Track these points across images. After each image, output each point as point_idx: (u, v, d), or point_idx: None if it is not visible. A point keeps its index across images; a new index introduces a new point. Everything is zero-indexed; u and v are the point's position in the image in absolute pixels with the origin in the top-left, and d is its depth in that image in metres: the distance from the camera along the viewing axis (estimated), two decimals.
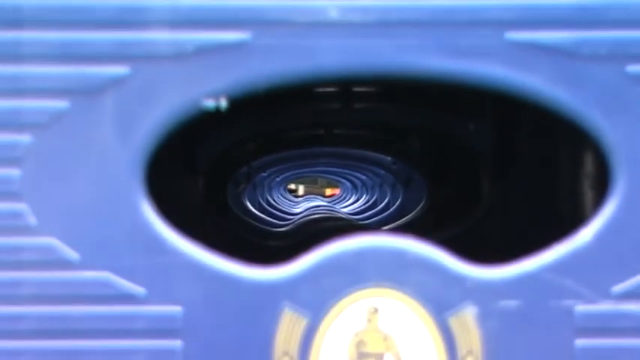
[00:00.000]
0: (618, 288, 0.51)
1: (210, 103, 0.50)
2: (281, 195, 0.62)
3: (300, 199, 0.68)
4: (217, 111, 0.50)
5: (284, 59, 0.50)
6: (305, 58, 0.50)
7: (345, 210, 0.66)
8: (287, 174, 0.60)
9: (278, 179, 0.60)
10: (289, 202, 0.63)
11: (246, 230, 0.64)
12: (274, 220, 0.66)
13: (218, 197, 0.64)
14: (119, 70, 0.49)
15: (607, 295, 0.51)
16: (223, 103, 0.50)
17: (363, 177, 0.68)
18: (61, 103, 0.48)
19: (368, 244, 0.51)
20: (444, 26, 0.49)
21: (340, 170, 0.71)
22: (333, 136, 0.67)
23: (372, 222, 0.70)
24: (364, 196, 0.67)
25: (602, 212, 0.50)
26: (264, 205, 0.60)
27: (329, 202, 0.69)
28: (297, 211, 0.60)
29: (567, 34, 0.50)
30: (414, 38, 0.50)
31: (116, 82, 0.49)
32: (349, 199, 0.70)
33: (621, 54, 0.50)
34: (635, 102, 0.50)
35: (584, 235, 0.50)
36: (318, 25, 0.49)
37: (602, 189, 0.51)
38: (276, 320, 0.51)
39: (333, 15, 0.49)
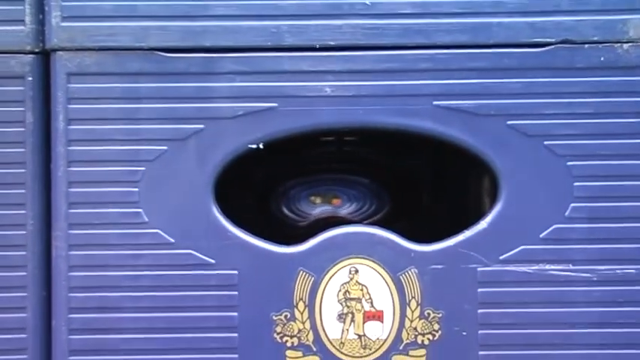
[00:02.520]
0: (503, 257, 0.66)
1: (253, 146, 0.65)
2: (305, 203, 0.73)
3: (317, 205, 0.79)
4: (258, 150, 0.65)
5: (298, 119, 0.65)
6: (310, 117, 0.65)
7: (343, 212, 0.78)
8: (308, 190, 0.72)
9: (303, 194, 0.71)
10: (310, 207, 0.73)
11: (281, 225, 0.79)
12: (299, 219, 0.79)
13: (264, 206, 0.79)
14: (198, 126, 0.65)
15: (496, 261, 0.65)
16: (261, 146, 0.65)
17: (354, 191, 0.80)
18: (162, 147, 0.65)
19: (350, 230, 0.66)
20: (395, 97, 0.65)
21: (340, 187, 0.84)
22: (333, 167, 0.81)
23: (358, 219, 0.85)
24: (355, 204, 0.79)
25: (493, 211, 0.65)
26: (294, 209, 0.71)
27: (334, 208, 0.80)
28: (314, 212, 0.72)
29: (472, 101, 0.65)
30: (377, 105, 0.65)
31: (196, 133, 0.65)
32: (346, 206, 0.81)
33: (503, 114, 0.65)
34: (512, 143, 0.65)
35: (482, 224, 0.65)
36: (319, 98, 0.65)
37: (494, 197, 0.66)
38: (294, 278, 0.66)
39: (328, 91, 0.64)
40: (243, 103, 0.66)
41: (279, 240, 0.69)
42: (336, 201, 0.83)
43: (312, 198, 0.82)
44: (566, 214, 0.66)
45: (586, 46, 0.66)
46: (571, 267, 0.66)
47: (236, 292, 0.67)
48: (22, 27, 0.66)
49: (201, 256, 0.67)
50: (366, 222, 0.80)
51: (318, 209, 0.82)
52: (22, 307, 0.66)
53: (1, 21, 0.66)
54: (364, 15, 0.66)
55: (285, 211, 0.81)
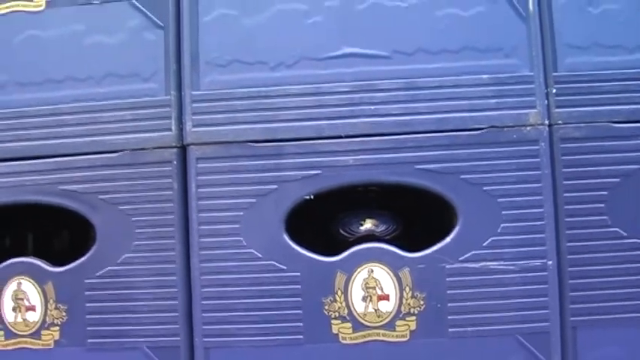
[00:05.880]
0: (461, 258, 0.82)
1: (306, 197, 0.84)
2: (355, 225, 0.80)
3: (362, 227, 0.87)
4: (311, 200, 0.83)
5: (333, 180, 0.84)
6: (340, 178, 0.84)
7: (378, 230, 0.83)
8: (355, 218, 0.77)
9: (353, 220, 0.78)
10: (357, 226, 0.81)
11: (338, 240, 0.88)
12: (349, 236, 0.85)
13: (328, 229, 0.89)
14: (274, 186, 0.84)
15: (457, 261, 0.82)
16: (312, 197, 0.84)
17: (383, 218, 0.85)
18: (253, 200, 0.83)
19: (368, 246, 0.84)
20: (392, 164, 0.83)
21: (374, 215, 0.88)
22: (364, 206, 0.90)
23: (385, 234, 0.91)
24: (384, 226, 0.85)
25: (454, 231, 0.83)
26: (347, 230, 0.76)
27: (373, 228, 0.87)
28: (360, 230, 0.79)
29: (438, 165, 0.83)
30: (381, 169, 0.83)
31: (273, 190, 0.83)
32: (379, 227, 0.88)
33: (457, 172, 0.82)
34: (463, 189, 0.82)
35: (448, 239, 0.83)
36: (345, 166, 0.83)
37: (455, 222, 0.83)
38: (334, 276, 0.83)
39: (351, 162, 0.83)
40: (300, 171, 0.84)
41: (334, 249, 0.84)
42: (374, 223, 0.93)
43: (361, 222, 0.93)
44: (498, 230, 0.82)
45: (505, 129, 0.83)
46: (502, 263, 0.82)
47: (299, 286, 0.83)
48: (170, 132, 0.85)
49: (277, 264, 0.84)
50: (389, 237, 0.91)
51: (363, 228, 0.93)
52: (174, 297, 0.84)
53: (158, 129, 0.85)
54: (372, 116, 0.84)
55: (341, 231, 0.92)
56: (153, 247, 0.85)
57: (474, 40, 0.84)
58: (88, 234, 0.89)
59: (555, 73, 0.84)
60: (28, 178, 0.88)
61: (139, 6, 0.88)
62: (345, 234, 0.93)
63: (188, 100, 0.86)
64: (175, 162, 0.85)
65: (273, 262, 0.84)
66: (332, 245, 0.88)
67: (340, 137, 0.84)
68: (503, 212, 0.83)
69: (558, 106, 0.84)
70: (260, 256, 0.84)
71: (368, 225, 0.92)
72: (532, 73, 0.84)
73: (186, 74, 0.86)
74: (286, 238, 0.85)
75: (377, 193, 0.94)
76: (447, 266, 0.83)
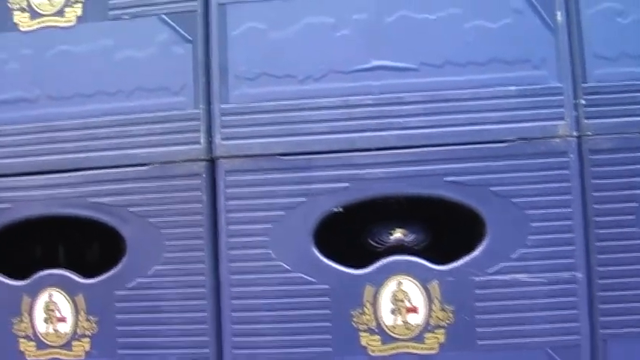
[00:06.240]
0: (490, 270, 0.82)
1: (335, 209, 0.84)
2: (385, 235, 0.81)
3: (393, 235, 0.88)
4: (340, 212, 0.84)
5: (362, 192, 0.84)
6: (369, 191, 0.84)
7: (408, 239, 0.84)
8: (386, 228, 0.78)
9: (383, 230, 0.80)
10: (387, 236, 0.82)
11: (367, 251, 0.87)
12: (379, 246, 0.84)
13: (359, 240, 0.89)
14: (302, 199, 0.84)
15: (486, 274, 0.82)
16: (341, 209, 0.84)
17: (414, 227, 0.86)
18: (281, 212, 0.84)
19: (397, 258, 0.84)
20: (421, 176, 0.83)
21: (405, 225, 0.89)
22: (393, 217, 0.89)
23: (415, 243, 0.91)
24: (414, 235, 0.85)
25: (483, 242, 0.83)
26: (377, 240, 0.76)
27: (402, 238, 0.87)
28: (390, 240, 0.79)
29: (467, 177, 0.83)
30: (410, 182, 0.84)
31: (301, 203, 0.84)
32: (409, 236, 0.89)
33: (487, 184, 0.82)
34: (493, 201, 0.82)
35: (477, 251, 0.83)
36: (375, 179, 0.84)
37: (483, 234, 0.83)
38: (363, 288, 0.83)
39: (380, 175, 0.84)
40: (328, 184, 0.84)
41: (364, 261, 0.85)
42: (404, 232, 0.92)
43: (390, 231, 0.92)
44: (527, 242, 0.82)
45: (533, 140, 0.82)
46: (531, 275, 0.82)
47: (328, 298, 0.84)
48: (199, 146, 0.86)
49: (306, 277, 0.84)
50: (418, 247, 0.91)
51: (392, 238, 0.92)
52: (203, 309, 0.85)
53: (187, 142, 0.86)
54: (400, 128, 0.84)
55: (370, 242, 0.92)
56: (182, 259, 0.86)
57: (501, 51, 0.85)
58: (118, 246, 0.90)
59: (584, 85, 0.84)
60: (58, 191, 0.90)
61: (168, 20, 0.89)
62: (375, 244, 0.93)
63: (217, 113, 0.87)
64: (204, 175, 0.86)
65: (301, 275, 0.85)
66: (362, 256, 0.88)
67: (369, 150, 0.85)
68: (532, 224, 0.83)
69: (587, 118, 0.84)
70: (289, 268, 0.85)
71: (397, 234, 0.92)
72: (561, 85, 0.84)
73: (215, 88, 0.87)
74: (315, 250, 0.85)
75: (407, 204, 0.94)
76: (476, 278, 0.83)
